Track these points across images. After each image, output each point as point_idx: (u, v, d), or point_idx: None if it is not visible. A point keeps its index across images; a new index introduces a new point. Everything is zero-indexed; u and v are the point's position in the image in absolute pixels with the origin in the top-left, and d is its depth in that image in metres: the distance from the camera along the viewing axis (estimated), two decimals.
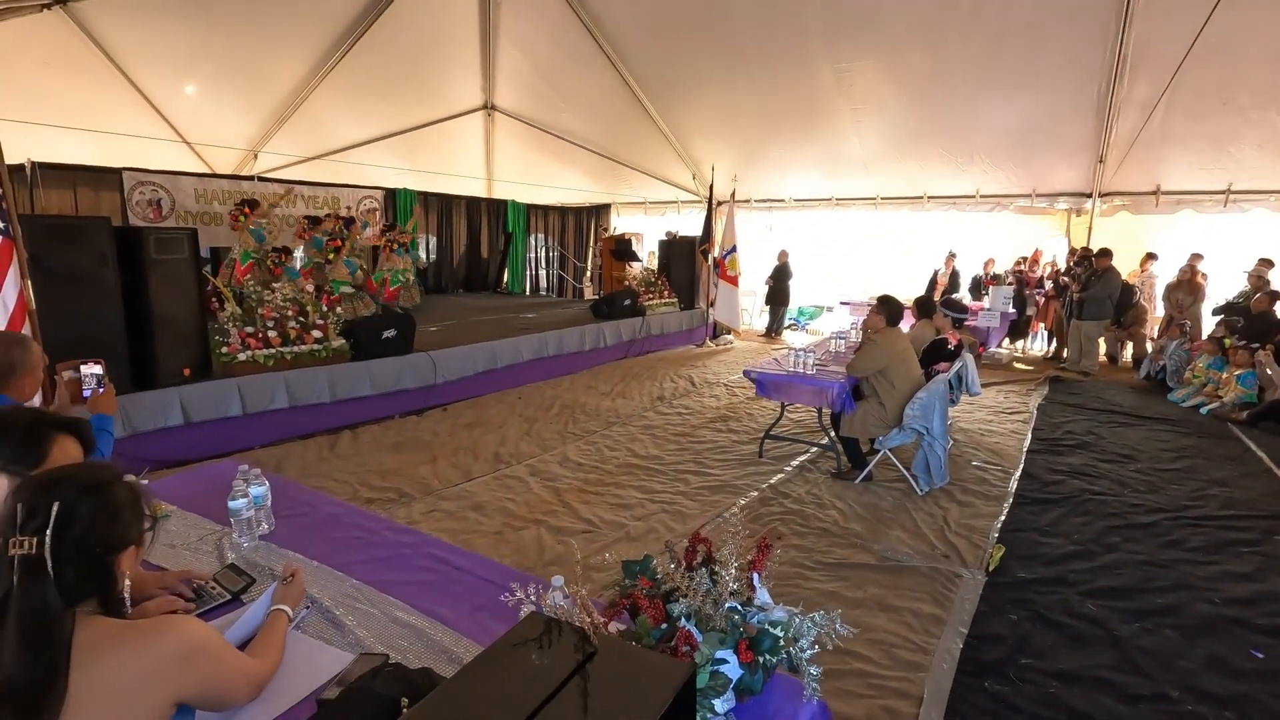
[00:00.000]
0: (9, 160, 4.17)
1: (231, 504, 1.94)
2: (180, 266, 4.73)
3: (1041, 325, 10.17)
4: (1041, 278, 10.03)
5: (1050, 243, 10.31)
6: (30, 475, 1.26)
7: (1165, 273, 8.95)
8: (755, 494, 4.31)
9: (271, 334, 5.31)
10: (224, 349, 5.07)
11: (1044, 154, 9.15)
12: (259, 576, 1.76)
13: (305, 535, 2.04)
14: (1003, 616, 2.96)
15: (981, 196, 9.96)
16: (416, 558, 1.91)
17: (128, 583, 1.13)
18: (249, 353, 5.13)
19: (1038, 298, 9.81)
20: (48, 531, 1.00)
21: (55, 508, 1.02)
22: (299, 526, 2.10)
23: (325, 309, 5.83)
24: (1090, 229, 9.41)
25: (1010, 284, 9.52)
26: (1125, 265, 8.89)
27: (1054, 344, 9.70)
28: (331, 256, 8.04)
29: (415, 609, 1.64)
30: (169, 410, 4.59)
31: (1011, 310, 9.27)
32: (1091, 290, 8.17)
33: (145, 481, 2.59)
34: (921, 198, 10.41)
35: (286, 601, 1.51)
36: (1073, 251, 9.47)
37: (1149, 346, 8.55)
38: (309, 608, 1.64)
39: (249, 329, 5.26)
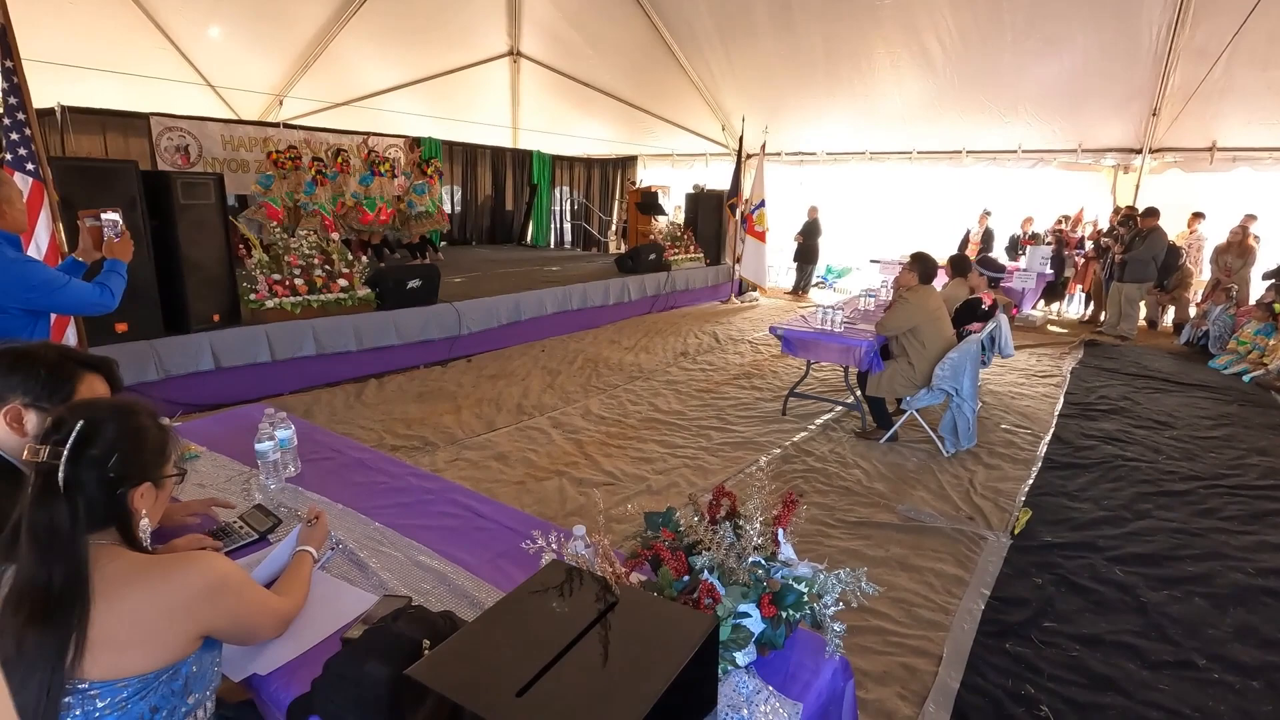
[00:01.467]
0: (38, 104, 4.18)
1: (258, 446, 1.96)
2: (208, 212, 4.74)
3: (1079, 287, 9.85)
4: (1082, 238, 9.67)
5: (1093, 202, 9.90)
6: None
7: (1215, 234, 8.56)
8: (778, 451, 4.28)
9: (298, 282, 5.34)
10: (252, 296, 5.11)
11: (1093, 106, 8.70)
12: (285, 518, 1.79)
13: (331, 479, 2.06)
14: (1027, 580, 2.93)
15: (1024, 152, 9.56)
16: (440, 504, 1.92)
17: (146, 522, 1.13)
18: (276, 300, 5.17)
19: (1077, 259, 9.47)
20: (66, 445, 1.00)
21: (80, 424, 1.02)
22: (325, 470, 2.12)
23: (351, 259, 5.84)
24: (1137, 187, 9.01)
25: (1049, 244, 9.20)
26: (1172, 227, 8.51)
27: (1091, 307, 9.40)
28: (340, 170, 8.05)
29: (438, 553, 1.65)
30: (200, 355, 4.67)
31: (1049, 271, 8.99)
32: (1135, 251, 7.85)
33: (178, 424, 2.65)
34: (960, 152, 10.02)
35: (311, 543, 1.53)
36: (1116, 211, 9.07)
37: (1192, 311, 8.25)
38: (334, 549, 1.66)
39: (276, 276, 5.29)
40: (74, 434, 1.01)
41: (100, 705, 1.01)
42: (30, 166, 3.43)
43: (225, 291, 4.94)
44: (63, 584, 0.98)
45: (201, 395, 4.71)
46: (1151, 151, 8.75)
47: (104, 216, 2.40)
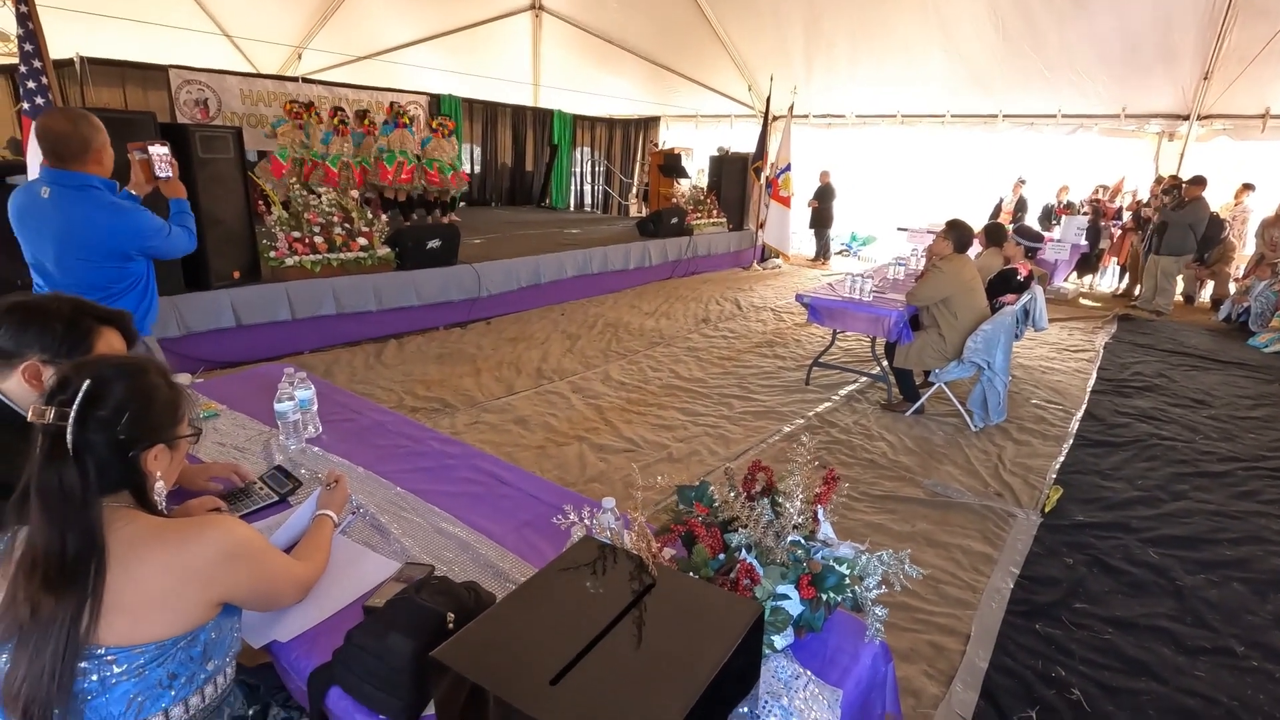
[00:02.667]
0: (57, 55, 4.10)
1: (278, 406, 1.92)
2: (227, 166, 4.67)
3: (1114, 260, 9.54)
4: (1120, 209, 9.31)
5: (1134, 171, 9.51)
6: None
7: (1262, 207, 8.20)
8: (801, 421, 4.21)
9: (318, 239, 5.29)
10: (272, 253, 5.07)
11: (1139, 68, 8.27)
12: (305, 480, 1.75)
13: (351, 441, 2.02)
14: (1057, 559, 2.86)
15: (1063, 116, 9.16)
16: (462, 469, 1.88)
17: (161, 485, 1.09)
18: (296, 258, 5.13)
19: (1113, 230, 9.15)
20: (73, 407, 0.94)
21: (86, 384, 0.97)
22: (345, 432, 2.08)
23: (371, 217, 5.77)
24: (1181, 156, 8.62)
25: (1085, 214, 8.88)
26: (1216, 198, 8.15)
27: (1126, 281, 9.11)
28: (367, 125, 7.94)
29: (461, 521, 1.60)
30: (221, 312, 4.65)
31: (1083, 243, 8.68)
32: (1174, 216, 7.50)
33: (199, 380, 2.63)
34: (995, 116, 9.64)
35: (331, 507, 1.49)
36: (1159, 180, 8.71)
37: (1232, 287, 7.96)
38: (355, 513, 1.62)
39: (296, 234, 5.24)
40: (80, 394, 0.96)
41: (117, 671, 0.98)
42: None
43: (245, 248, 4.90)
44: (76, 550, 0.94)
45: (223, 352, 4.71)
46: (1200, 118, 8.34)
47: (151, 149, 2.38)
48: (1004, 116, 9.59)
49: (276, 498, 1.66)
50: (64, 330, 1.34)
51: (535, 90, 13.02)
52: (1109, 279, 9.74)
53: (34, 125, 2.17)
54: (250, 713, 1.19)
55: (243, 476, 1.71)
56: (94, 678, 0.97)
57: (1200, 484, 3.56)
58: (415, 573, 1.34)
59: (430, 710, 1.07)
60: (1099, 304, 8.49)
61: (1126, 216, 9.10)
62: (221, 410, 2.19)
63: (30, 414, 0.95)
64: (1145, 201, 8.71)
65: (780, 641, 1.15)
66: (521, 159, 12.72)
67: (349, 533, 1.55)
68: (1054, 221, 9.31)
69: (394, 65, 10.97)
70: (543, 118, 12.76)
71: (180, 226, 2.42)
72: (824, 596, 1.19)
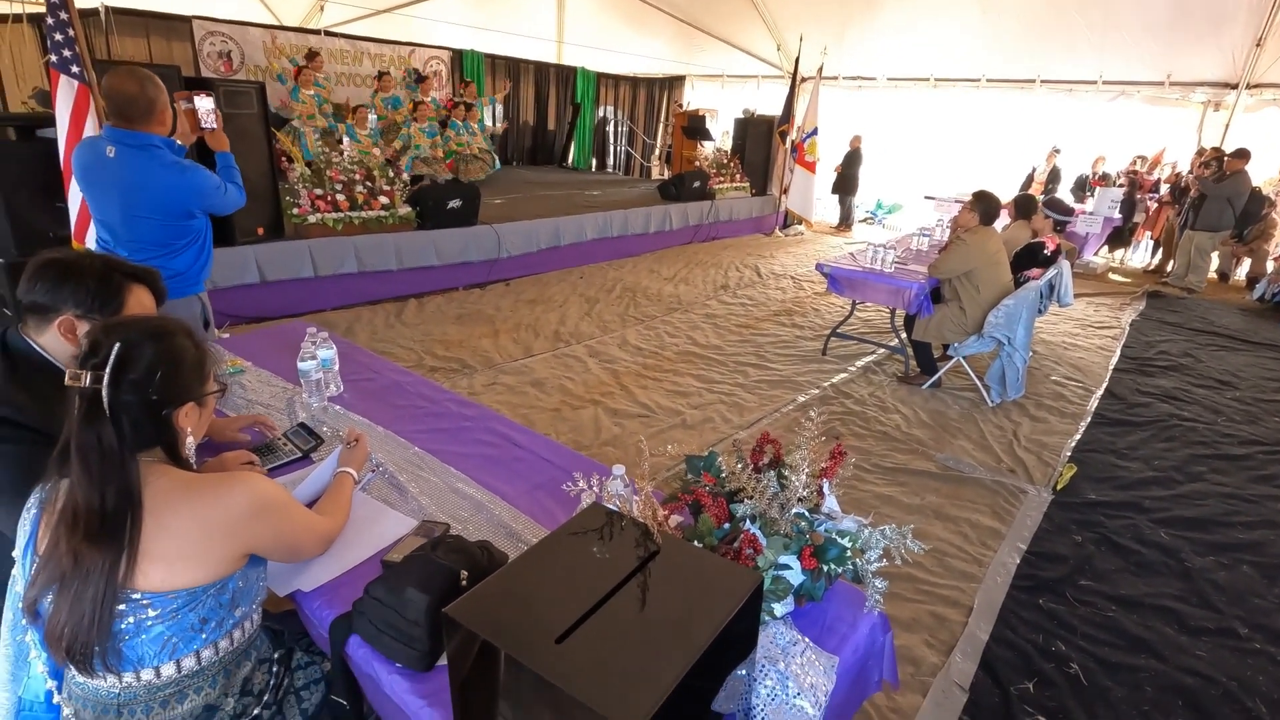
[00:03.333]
0: (81, 4, 4.10)
1: (301, 365, 1.97)
2: (250, 121, 4.69)
3: (1147, 234, 9.27)
4: (1158, 181, 9.02)
5: (1175, 142, 9.16)
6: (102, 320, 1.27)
7: None
8: (816, 392, 4.22)
9: (340, 198, 5.31)
10: (295, 210, 5.11)
11: (1188, 33, 7.93)
12: (327, 438, 1.81)
13: (371, 400, 2.07)
14: (1066, 536, 2.87)
15: (1104, 83, 8.83)
16: (478, 431, 1.92)
17: (192, 440, 1.14)
18: (319, 215, 5.17)
19: (1149, 203, 8.87)
20: (105, 370, 0.99)
21: (116, 348, 1.00)
22: (366, 391, 2.14)
23: (392, 175, 5.77)
24: (1227, 127, 8.30)
25: (1121, 185, 8.62)
26: (1261, 173, 7.85)
27: (1159, 256, 8.87)
28: (413, 117, 7.86)
29: (476, 482, 1.65)
30: (246, 268, 4.72)
31: (1117, 216, 8.45)
32: (1213, 189, 7.25)
33: (226, 335, 2.69)
34: (1033, 81, 9.32)
35: (351, 464, 1.54)
36: (1200, 152, 8.40)
37: (1270, 266, 7.73)
38: (374, 471, 1.67)
39: (318, 191, 5.26)
40: (112, 357, 1.00)
41: (152, 615, 1.04)
42: (75, 70, 3.38)
43: (269, 205, 4.94)
44: (115, 505, 0.99)
45: (248, 307, 4.79)
46: (1249, 87, 8.00)
47: (197, 101, 2.44)
48: (1041, 82, 9.27)
49: (300, 454, 1.72)
50: (96, 287, 1.38)
51: (559, 47, 12.78)
52: (1141, 254, 9.49)
53: (102, 85, 2.22)
54: (275, 656, 1.26)
55: (269, 428, 1.77)
56: (130, 620, 1.03)
57: (1218, 466, 3.53)
58: (431, 530, 1.40)
59: (444, 661, 1.13)
60: (1128, 280, 8.30)
61: (1164, 189, 8.81)
62: (246, 367, 2.25)
63: (67, 378, 0.99)
64: (1186, 173, 8.42)
65: (780, 609, 1.19)
66: (544, 118, 12.56)
67: (368, 490, 1.60)
68: (1088, 193, 9.05)
69: (416, 19, 10.80)
70: (566, 75, 12.55)
71: (230, 183, 2.48)
72: (825, 568, 1.23)
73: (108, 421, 0.99)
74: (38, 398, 1.32)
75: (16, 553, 1.12)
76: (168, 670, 1.08)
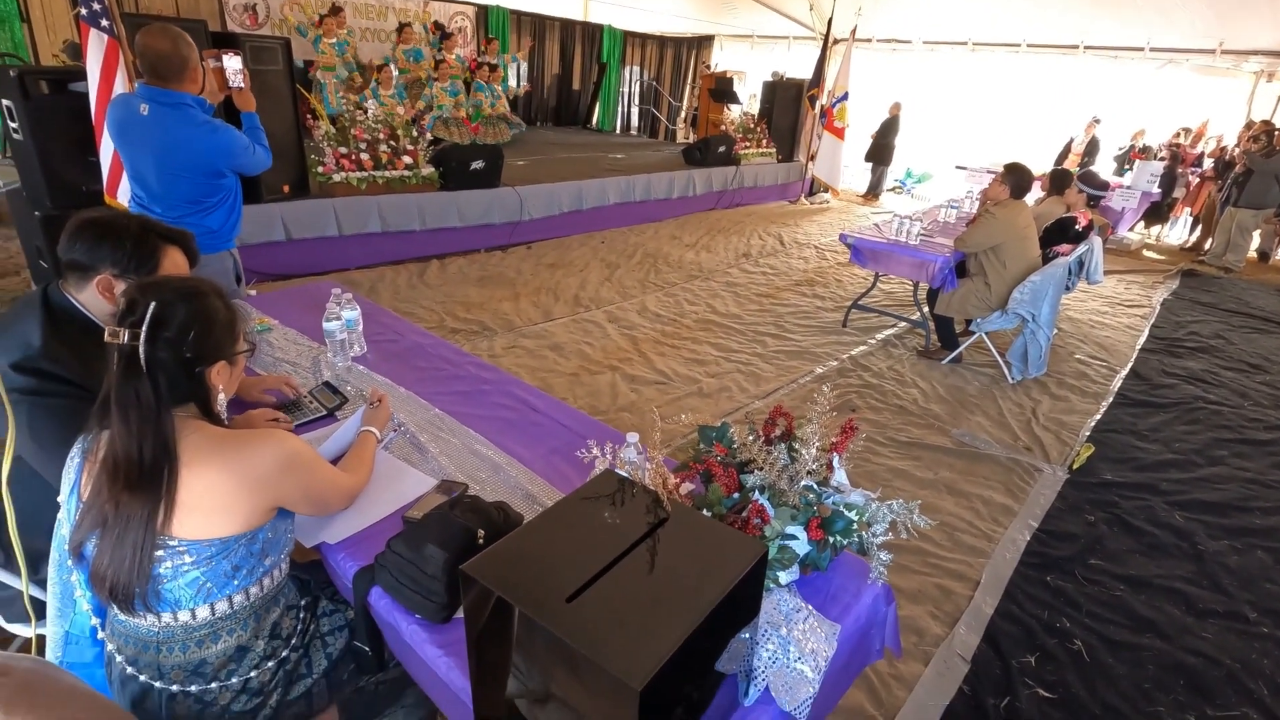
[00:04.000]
0: None
1: (326, 325, 2.02)
2: (276, 78, 4.68)
3: (1187, 210, 8.99)
4: (1202, 155, 8.69)
5: (1221, 114, 8.79)
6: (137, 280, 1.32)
7: None
8: (834, 364, 4.21)
9: (364, 156, 5.33)
10: (320, 168, 5.14)
11: None
12: (351, 397, 1.86)
13: (394, 362, 2.12)
14: (1079, 516, 2.88)
15: (1152, 50, 8.48)
16: (496, 395, 1.96)
17: (223, 396, 1.19)
18: (343, 174, 5.19)
19: (1191, 178, 8.57)
20: (142, 329, 1.03)
21: (151, 307, 1.05)
22: (389, 352, 2.18)
23: (416, 135, 5.76)
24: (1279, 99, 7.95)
25: (1162, 159, 8.33)
26: None
27: (1198, 233, 8.61)
28: (435, 75, 7.81)
29: (494, 444, 1.70)
30: (272, 225, 4.78)
31: (1155, 190, 8.19)
32: (1261, 165, 6.98)
33: (253, 293, 2.75)
34: (1076, 46, 8.97)
35: (374, 424, 1.59)
36: (1249, 125, 8.07)
37: None
38: (396, 431, 1.72)
39: (343, 150, 5.28)
40: (148, 317, 1.04)
41: (188, 561, 1.10)
42: (105, 23, 3.40)
43: (294, 163, 4.96)
44: (152, 456, 1.05)
45: (273, 265, 4.86)
46: None
47: (225, 60, 2.47)
48: (1085, 48, 8.92)
49: (325, 412, 1.77)
50: (133, 248, 1.43)
51: (586, 4, 12.50)
52: (1179, 230, 9.22)
53: (135, 43, 2.24)
54: (302, 603, 1.33)
55: (293, 388, 1.83)
56: (169, 565, 1.10)
57: (1241, 451, 3.49)
58: (450, 490, 1.45)
59: (460, 614, 1.18)
60: (1163, 257, 8.09)
61: (1207, 164, 8.50)
62: (273, 324, 2.30)
63: (106, 336, 1.04)
64: (1232, 147, 8.09)
65: (785, 577, 1.22)
66: (569, 77, 12.37)
67: (390, 449, 1.66)
68: (1128, 166, 8.76)
69: None
70: (592, 33, 12.30)
71: (258, 144, 2.51)
72: (831, 539, 1.25)
73: (145, 377, 1.04)
74: (78, 353, 1.37)
75: (62, 498, 1.19)
76: (203, 612, 1.15)
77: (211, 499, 1.09)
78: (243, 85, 2.51)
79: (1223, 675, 2.11)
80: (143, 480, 1.04)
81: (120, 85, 3.46)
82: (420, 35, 8.64)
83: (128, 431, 1.04)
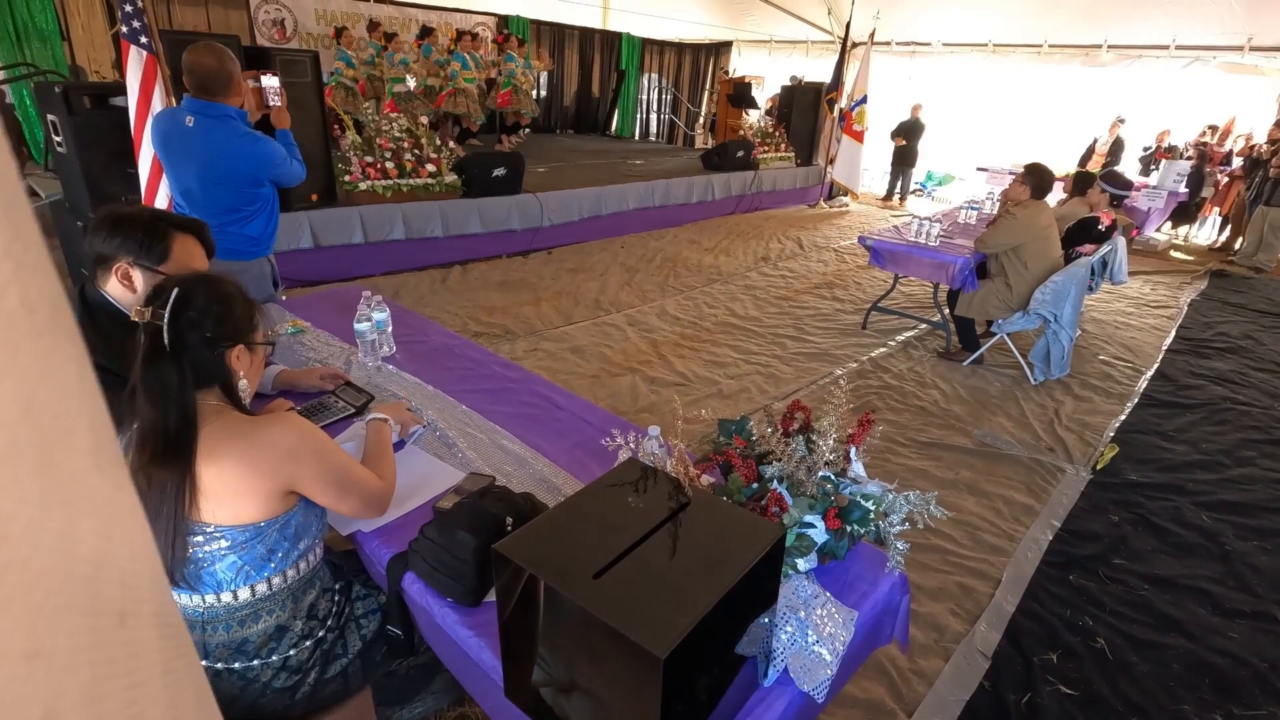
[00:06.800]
0: None
1: (357, 326, 2.09)
2: (304, 90, 4.82)
3: (1215, 210, 8.82)
4: (1230, 153, 8.54)
5: (1249, 112, 8.62)
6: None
7: None
8: (854, 365, 4.22)
9: (389, 165, 5.45)
10: (346, 177, 5.26)
11: None
12: (379, 395, 1.92)
13: (422, 361, 2.19)
14: (1102, 515, 2.86)
15: (1177, 48, 8.36)
16: (521, 393, 2.02)
17: (245, 384, 1.25)
18: (368, 182, 5.31)
19: (1219, 177, 8.42)
20: (166, 309, 1.12)
21: (176, 290, 1.15)
22: (416, 353, 2.25)
23: (440, 143, 5.88)
24: None
25: (1189, 158, 8.19)
26: None
27: (1227, 233, 8.45)
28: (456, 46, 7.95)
29: (519, 439, 1.75)
30: (301, 233, 4.90)
31: (1183, 190, 8.06)
32: None
33: (284, 298, 2.84)
34: (1099, 46, 8.87)
35: (386, 413, 1.60)
36: (1278, 122, 7.92)
37: None
38: (425, 426, 1.78)
39: (369, 159, 5.40)
40: (172, 297, 1.13)
41: (224, 545, 1.16)
42: (144, 40, 3.53)
43: (322, 172, 5.09)
44: (177, 425, 1.12)
45: (302, 271, 4.99)
46: None
47: (264, 80, 2.60)
48: (1109, 47, 8.82)
49: (353, 410, 1.83)
50: (144, 234, 1.53)
51: (605, 13, 12.63)
52: (1207, 231, 9.05)
53: (184, 59, 2.35)
54: (337, 586, 1.38)
55: (340, 378, 1.91)
56: (207, 549, 1.16)
57: (1270, 451, 3.44)
58: (478, 482, 1.50)
59: (490, 597, 1.23)
60: (1191, 257, 7.95)
61: (1236, 162, 8.35)
62: (306, 327, 2.38)
63: (133, 314, 1.13)
64: (1265, 143, 7.93)
65: (803, 564, 1.25)
66: (588, 84, 12.50)
67: (420, 444, 1.71)
68: (1154, 167, 8.63)
69: None
70: (611, 41, 12.42)
71: (293, 158, 2.61)
72: (849, 528, 1.28)
73: (168, 354, 1.12)
74: (112, 343, 1.46)
75: None
76: (244, 594, 1.21)
77: (228, 484, 1.14)
78: (280, 103, 2.62)
79: (1250, 675, 2.09)
80: (169, 451, 1.11)
81: (158, 98, 3.60)
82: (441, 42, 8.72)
83: (152, 404, 1.11)
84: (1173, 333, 5.15)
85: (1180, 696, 2.00)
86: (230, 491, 1.14)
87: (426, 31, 8.39)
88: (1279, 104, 8.24)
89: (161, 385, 1.12)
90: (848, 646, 1.16)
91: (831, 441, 1.31)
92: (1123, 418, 3.73)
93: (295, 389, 1.86)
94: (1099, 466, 3.22)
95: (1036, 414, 3.73)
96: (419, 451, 1.68)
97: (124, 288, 1.52)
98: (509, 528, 1.25)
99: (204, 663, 1.21)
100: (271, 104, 2.60)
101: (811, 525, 1.25)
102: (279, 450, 1.17)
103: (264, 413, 1.65)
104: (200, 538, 1.15)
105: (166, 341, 1.12)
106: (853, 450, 1.38)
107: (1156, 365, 4.49)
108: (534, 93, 9.45)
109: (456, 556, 1.22)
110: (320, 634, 1.30)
